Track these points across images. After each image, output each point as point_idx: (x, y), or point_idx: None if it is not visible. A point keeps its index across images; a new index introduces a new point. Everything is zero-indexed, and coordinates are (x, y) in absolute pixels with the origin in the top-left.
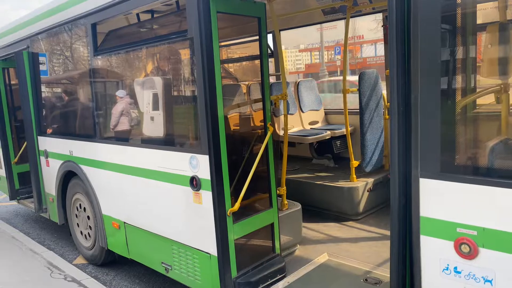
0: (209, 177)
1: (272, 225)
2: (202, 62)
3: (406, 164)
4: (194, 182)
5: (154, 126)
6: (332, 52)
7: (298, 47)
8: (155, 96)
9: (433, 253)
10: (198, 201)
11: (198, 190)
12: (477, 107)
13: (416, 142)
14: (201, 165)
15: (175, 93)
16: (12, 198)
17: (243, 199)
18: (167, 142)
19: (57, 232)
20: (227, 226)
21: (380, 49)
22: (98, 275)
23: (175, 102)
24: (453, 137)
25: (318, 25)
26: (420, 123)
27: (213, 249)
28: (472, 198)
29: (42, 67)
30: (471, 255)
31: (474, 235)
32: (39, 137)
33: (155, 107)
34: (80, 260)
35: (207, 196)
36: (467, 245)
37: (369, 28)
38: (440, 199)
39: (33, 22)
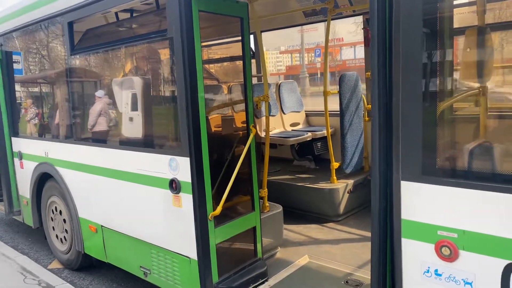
0: (189, 180)
1: (254, 228)
2: (183, 62)
3: (387, 167)
4: (174, 185)
5: (133, 127)
6: (313, 54)
7: (279, 49)
8: (133, 96)
9: (414, 255)
10: (177, 204)
11: (177, 193)
12: (456, 111)
13: (397, 145)
14: (181, 168)
15: (155, 94)
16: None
17: (225, 202)
18: (146, 143)
19: (31, 236)
20: (208, 230)
21: (359, 51)
22: (74, 280)
23: (155, 102)
24: (434, 140)
25: (299, 27)
26: (401, 125)
27: (193, 254)
28: (453, 201)
29: (16, 66)
30: (451, 257)
31: (455, 238)
32: (12, 138)
33: (134, 107)
34: (55, 264)
35: (187, 199)
36: (448, 247)
37: (349, 30)
38: (421, 201)
39: (7, 20)
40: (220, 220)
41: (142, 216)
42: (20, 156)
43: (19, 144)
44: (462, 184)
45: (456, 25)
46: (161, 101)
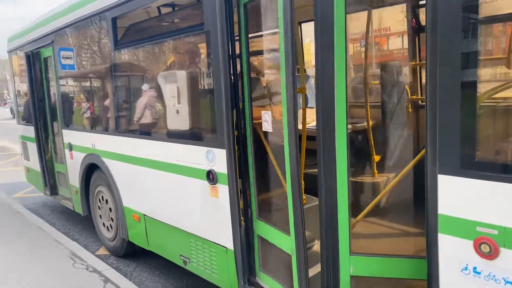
0: (225, 171)
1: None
2: (223, 56)
3: (424, 160)
4: (211, 176)
5: (173, 119)
6: (358, 44)
7: None
8: (175, 89)
9: (451, 252)
10: (214, 195)
11: (214, 184)
12: (497, 101)
13: (434, 136)
14: (217, 159)
15: (194, 87)
16: (52, 193)
17: (263, 194)
18: (185, 135)
19: (81, 223)
20: (242, 221)
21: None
22: (120, 266)
23: (194, 96)
24: (473, 131)
25: None
26: (439, 116)
27: (229, 243)
28: (493, 196)
29: (68, 61)
30: (491, 255)
31: (495, 235)
32: (63, 130)
33: (175, 101)
34: (102, 251)
35: (223, 190)
36: (487, 244)
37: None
38: (459, 196)
39: (56, 18)
40: (259, 214)
41: (181, 206)
42: (70, 147)
43: (69, 135)
44: (503, 178)
45: (496, 12)
46: (199, 94)
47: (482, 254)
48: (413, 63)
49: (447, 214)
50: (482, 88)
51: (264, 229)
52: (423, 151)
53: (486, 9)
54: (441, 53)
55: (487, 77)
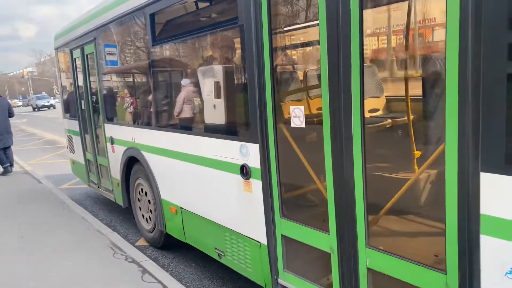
0: (259, 166)
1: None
2: (255, 50)
3: (464, 156)
4: (244, 171)
5: (209, 114)
6: (401, 36)
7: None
8: (211, 84)
9: (495, 254)
10: (248, 190)
11: (248, 178)
12: None
13: (477, 132)
14: (251, 154)
15: (228, 82)
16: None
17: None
18: (220, 130)
19: (122, 214)
20: (275, 218)
21: None
22: (157, 257)
23: (229, 90)
24: None
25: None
26: (482, 110)
27: (263, 238)
28: None
29: (111, 58)
30: None
31: None
32: (105, 124)
33: (211, 95)
34: (141, 242)
35: (257, 185)
36: None
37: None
38: (503, 195)
39: (97, 16)
40: (290, 212)
41: (216, 200)
42: (112, 141)
43: (110, 129)
44: None
45: None
46: (234, 89)
47: None
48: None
49: (489, 215)
50: None
51: (290, 228)
52: (441, 147)
53: None
54: (485, 44)
55: None
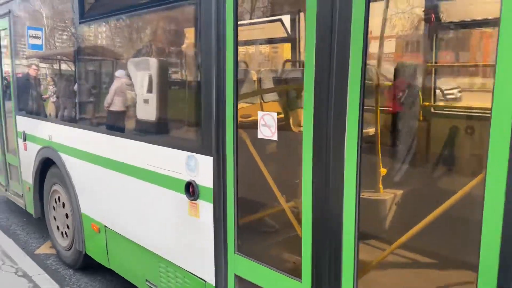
0: (211, 185)
1: None
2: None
3: None
4: (191, 189)
5: (146, 113)
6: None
7: None
8: (150, 77)
9: None
10: (194, 214)
11: (195, 199)
12: None
13: None
14: (201, 168)
15: (175, 75)
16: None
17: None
18: (161, 134)
19: (26, 215)
20: (228, 253)
21: None
22: (59, 269)
23: (174, 86)
24: None
25: None
26: None
27: (210, 277)
28: None
29: (36, 41)
30: None
31: None
32: (17, 116)
33: (149, 92)
34: (44, 249)
35: (207, 208)
36: None
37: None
38: None
39: None
40: (249, 248)
41: (152, 222)
42: (24, 137)
43: (23, 123)
44: None
45: None
46: (182, 84)
47: None
48: (428, 64)
49: None
50: None
51: (247, 268)
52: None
53: None
54: None
55: None
